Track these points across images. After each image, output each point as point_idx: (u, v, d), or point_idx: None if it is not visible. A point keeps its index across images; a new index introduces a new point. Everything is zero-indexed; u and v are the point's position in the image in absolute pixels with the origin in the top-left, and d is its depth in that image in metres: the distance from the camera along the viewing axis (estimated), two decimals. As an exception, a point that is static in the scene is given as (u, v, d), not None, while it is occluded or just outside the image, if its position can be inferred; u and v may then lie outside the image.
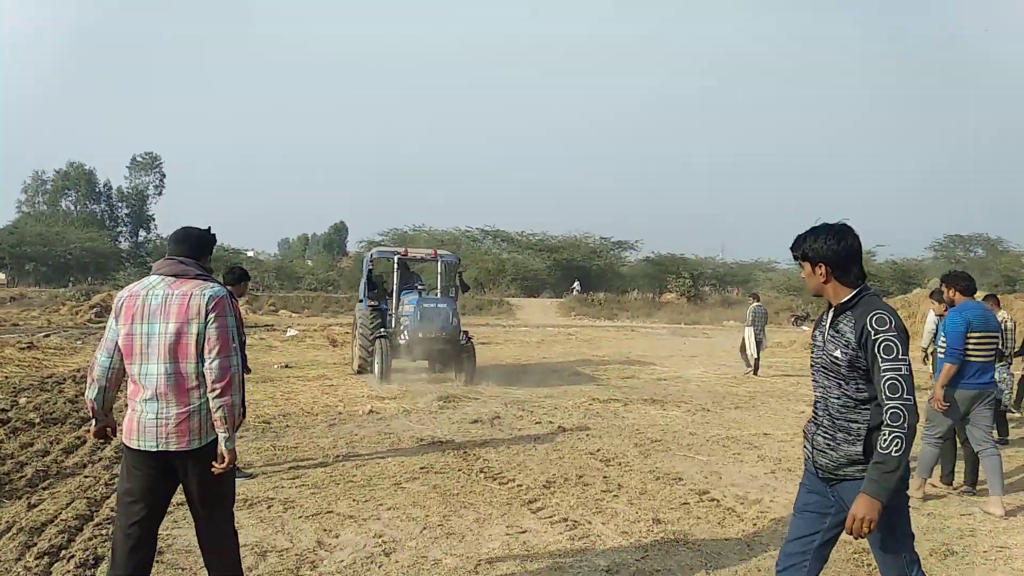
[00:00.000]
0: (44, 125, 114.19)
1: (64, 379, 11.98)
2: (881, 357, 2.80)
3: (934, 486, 6.56)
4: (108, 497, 5.72)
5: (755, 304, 16.01)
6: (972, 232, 58.82)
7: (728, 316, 41.21)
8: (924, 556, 4.14)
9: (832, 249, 3.01)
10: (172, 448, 3.24)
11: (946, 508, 6.03)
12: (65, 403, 9.73)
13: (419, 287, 14.32)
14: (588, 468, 7.01)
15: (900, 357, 2.80)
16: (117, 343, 3.33)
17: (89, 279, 46.20)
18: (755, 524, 5.40)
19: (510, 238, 57.00)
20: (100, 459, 6.92)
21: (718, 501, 6.01)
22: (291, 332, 25.47)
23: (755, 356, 15.43)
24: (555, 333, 28.06)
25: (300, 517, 5.29)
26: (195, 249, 3.51)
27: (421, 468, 6.82)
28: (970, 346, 5.90)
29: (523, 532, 5.07)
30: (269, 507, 5.52)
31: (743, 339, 16.23)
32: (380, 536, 4.91)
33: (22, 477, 6.21)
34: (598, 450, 7.79)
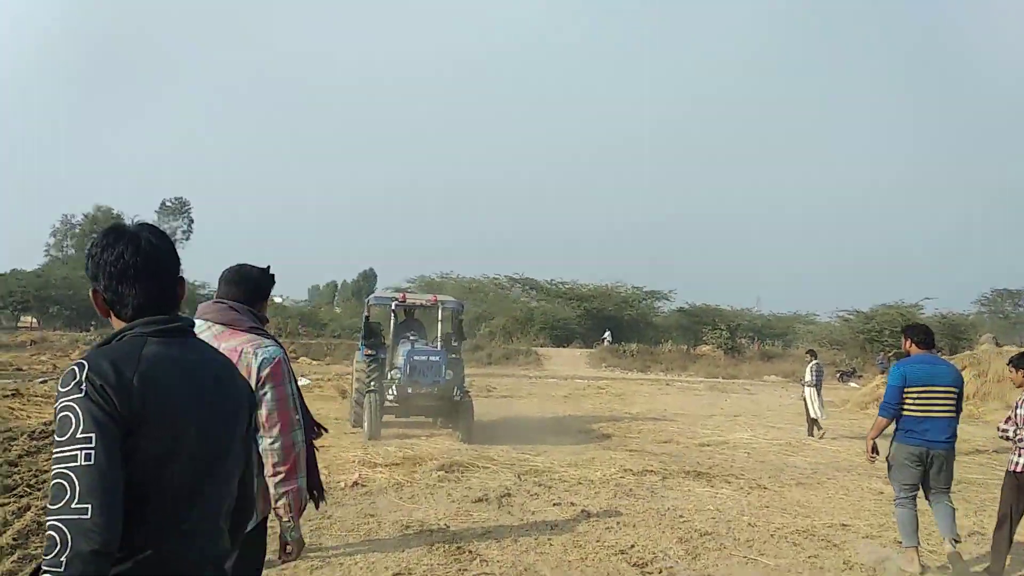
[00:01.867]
0: (72, 168, 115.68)
1: (20, 434, 10.51)
2: None
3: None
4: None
5: (814, 361, 14.36)
6: (1021, 286, 56.38)
7: (768, 371, 38.98)
8: None
9: None
10: None
11: None
12: (2, 466, 8.23)
13: (412, 337, 12.67)
14: (618, 577, 5.27)
15: None
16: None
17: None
18: None
19: (539, 286, 55.42)
20: (-14, 550, 5.34)
21: (802, 642, 4.23)
22: (303, 381, 24.00)
23: (821, 417, 14.04)
24: (584, 386, 26.18)
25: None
26: (250, 293, 2.94)
27: (394, 575, 5.13)
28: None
29: None
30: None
31: (804, 400, 14.44)
32: None
33: None
34: (632, 547, 6.03)
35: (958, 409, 5.79)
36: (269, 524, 3.02)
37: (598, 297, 53.50)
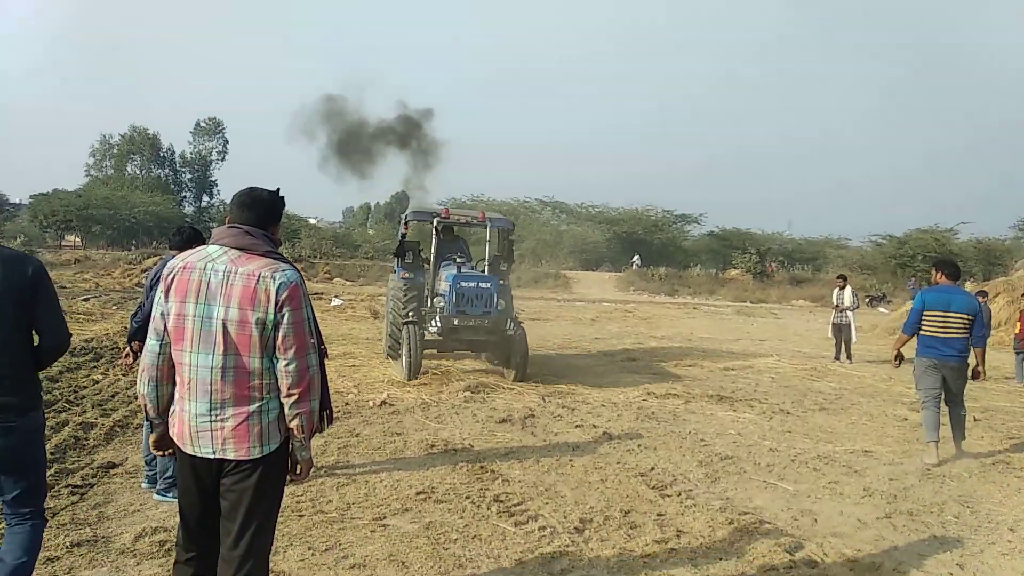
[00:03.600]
0: (111, 89, 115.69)
1: (61, 351, 10.85)
2: None
3: None
4: None
5: (847, 288, 14.30)
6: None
7: (797, 295, 38.70)
8: None
9: None
10: (230, 456, 2.74)
11: None
12: (43, 382, 8.48)
13: (459, 259, 10.99)
14: (637, 499, 5.36)
15: None
16: (166, 324, 2.79)
17: (154, 243, 46.15)
18: (878, 615, 3.68)
19: (569, 209, 54.97)
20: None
21: (817, 565, 4.29)
22: (336, 302, 24.35)
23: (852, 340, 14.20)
24: (611, 309, 26.24)
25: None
26: (264, 217, 2.92)
27: (419, 493, 5.27)
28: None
29: (533, 622, 3.47)
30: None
31: (831, 325, 14.46)
32: (321, 623, 3.38)
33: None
34: (652, 469, 6.12)
35: (971, 332, 6.78)
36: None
37: (627, 220, 52.99)
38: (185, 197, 67.20)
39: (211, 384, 2.73)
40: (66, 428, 6.55)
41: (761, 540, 4.62)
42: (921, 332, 6.87)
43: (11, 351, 3.01)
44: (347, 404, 8.25)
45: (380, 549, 4.24)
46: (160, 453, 2.98)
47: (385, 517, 4.77)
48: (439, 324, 10.02)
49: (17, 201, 66.40)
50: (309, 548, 4.22)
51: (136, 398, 7.77)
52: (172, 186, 65.85)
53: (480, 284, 10.12)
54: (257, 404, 2.76)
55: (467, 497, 5.21)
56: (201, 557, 2.85)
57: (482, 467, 5.98)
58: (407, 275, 11.37)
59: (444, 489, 5.38)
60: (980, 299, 14.03)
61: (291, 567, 3.97)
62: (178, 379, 2.80)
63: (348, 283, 35.39)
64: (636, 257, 48.11)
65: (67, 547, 4.13)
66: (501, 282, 10.69)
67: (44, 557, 3.95)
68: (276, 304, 2.73)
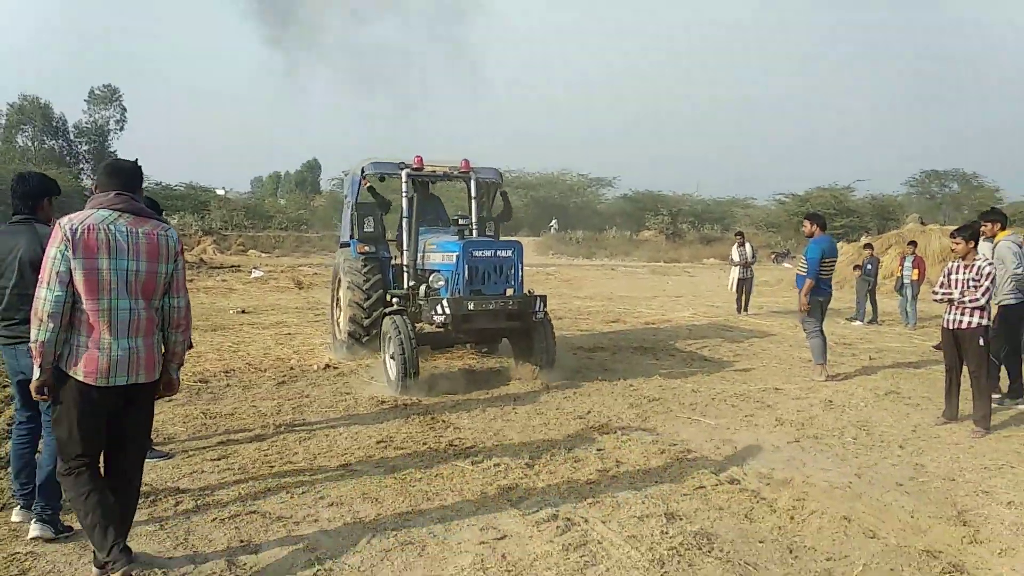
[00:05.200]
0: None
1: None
2: None
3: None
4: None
5: (747, 244, 15.18)
6: (948, 167, 58.23)
7: (708, 254, 40.28)
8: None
9: None
10: (142, 380, 3.34)
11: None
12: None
13: (461, 222, 8.36)
14: (579, 437, 5.90)
15: None
16: (73, 278, 3.18)
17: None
18: (792, 516, 4.31)
19: (486, 175, 55.22)
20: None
21: (739, 482, 4.92)
22: (256, 273, 24.12)
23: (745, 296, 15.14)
24: (533, 272, 26.83)
25: (213, 520, 4.10)
26: (133, 183, 3.46)
27: (378, 442, 5.66)
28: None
29: (502, 539, 3.94)
30: (176, 504, 4.33)
31: (732, 280, 15.32)
32: (313, 550, 3.75)
33: None
34: (588, 412, 6.68)
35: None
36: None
37: (544, 185, 53.79)
38: (83, 169, 64.06)
39: (129, 324, 3.27)
40: None
41: (690, 465, 5.22)
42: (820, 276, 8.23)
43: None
44: (292, 369, 8.51)
45: (352, 490, 4.63)
46: (42, 397, 3.26)
47: (351, 464, 5.15)
48: (446, 311, 7.37)
49: None
50: (287, 492, 4.56)
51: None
52: (68, 158, 62.65)
53: (499, 252, 7.88)
54: (155, 336, 3.42)
55: (424, 443, 5.64)
56: (94, 457, 3.36)
57: (433, 418, 6.41)
58: (367, 249, 9.02)
59: (401, 438, 5.79)
60: (867, 251, 15.33)
61: (273, 508, 4.31)
62: (89, 325, 3.21)
63: (264, 255, 34.88)
64: (554, 221, 49.02)
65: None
66: None
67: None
68: (173, 256, 3.42)
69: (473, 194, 9.11)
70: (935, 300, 6.58)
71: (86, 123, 63.35)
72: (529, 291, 7.97)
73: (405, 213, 8.59)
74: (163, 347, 3.50)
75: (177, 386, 3.61)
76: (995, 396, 6.96)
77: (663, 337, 11.45)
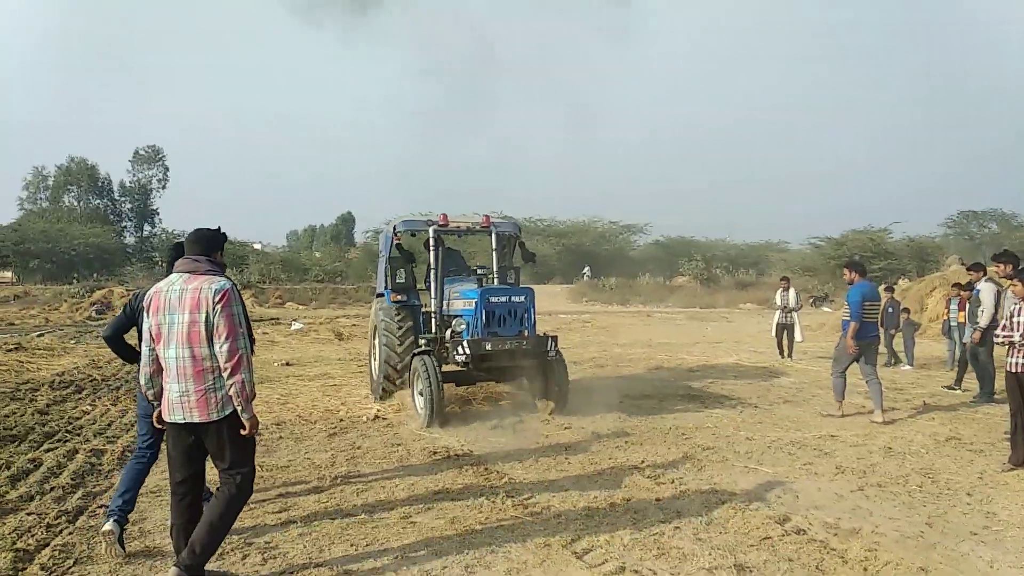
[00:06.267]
0: (43, 120, 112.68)
1: (40, 385, 10.87)
2: None
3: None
4: (47, 545, 4.58)
5: (791, 290, 15.04)
6: (986, 207, 57.50)
7: (744, 299, 39.91)
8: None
9: None
10: (196, 420, 3.79)
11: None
12: (33, 415, 8.62)
13: (479, 272, 9.71)
14: (635, 487, 5.84)
15: None
16: (151, 333, 3.85)
17: (94, 275, 45.19)
18: (865, 568, 4.22)
19: (518, 224, 55.65)
20: (53, 488, 5.78)
21: (806, 532, 4.82)
22: (296, 326, 24.37)
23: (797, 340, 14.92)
24: (569, 320, 26.85)
25: (283, 574, 4.12)
26: (207, 247, 4.00)
27: (435, 493, 5.66)
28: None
29: (572, 591, 3.90)
30: (244, 557, 4.36)
31: (776, 325, 15.16)
32: (385, 603, 3.75)
33: (-50, 517, 5.07)
34: (642, 462, 6.61)
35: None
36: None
37: (575, 233, 54.04)
38: (125, 227, 65.86)
39: (178, 369, 3.77)
40: (78, 455, 6.75)
41: (753, 515, 5.13)
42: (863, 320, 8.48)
43: None
44: (341, 420, 8.57)
45: (415, 541, 4.62)
46: (159, 426, 3.94)
47: (411, 516, 5.14)
48: (467, 351, 8.16)
49: (-53, 238, 64.13)
50: (351, 545, 4.57)
51: (133, 426, 8.00)
52: (112, 216, 64.49)
53: (513, 298, 8.65)
54: (210, 382, 3.78)
55: (481, 494, 5.62)
56: (183, 483, 3.93)
57: (486, 468, 6.39)
58: (400, 298, 9.63)
59: (458, 489, 5.78)
60: (887, 295, 15.16)
61: (339, 560, 4.32)
62: (163, 370, 3.86)
63: (301, 307, 35.29)
64: (586, 268, 49.06)
65: (125, 558, 4.40)
66: None
67: (106, 569, 4.24)
68: (212, 305, 3.75)
69: (494, 245, 9.84)
70: (997, 343, 6.47)
71: (130, 182, 65.28)
72: (545, 333, 8.77)
73: (432, 265, 9.42)
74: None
75: (248, 424, 3.84)
76: None
77: (709, 384, 11.33)
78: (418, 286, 10.07)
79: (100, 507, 5.36)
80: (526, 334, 8.55)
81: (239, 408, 3.80)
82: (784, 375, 12.44)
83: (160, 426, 3.95)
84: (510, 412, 8.77)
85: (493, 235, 9.79)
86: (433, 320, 9.26)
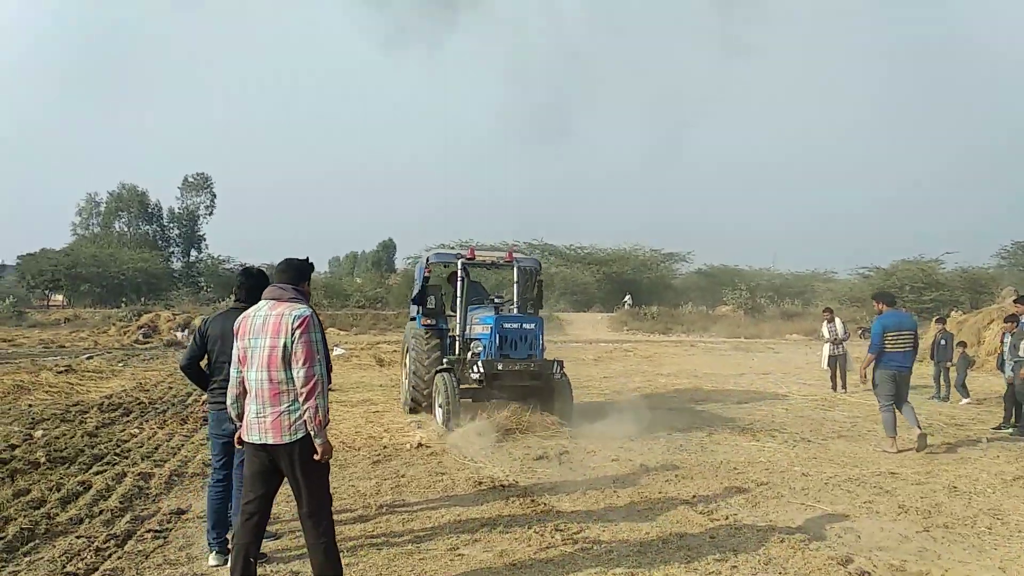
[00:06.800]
0: (97, 146, 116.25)
1: (90, 408, 11.03)
2: None
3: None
4: (95, 570, 4.57)
5: (836, 320, 14.72)
6: (1041, 237, 55.72)
7: (790, 329, 39.21)
8: None
9: None
10: (270, 441, 3.86)
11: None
12: (83, 437, 8.72)
13: (495, 300, 10.83)
14: (688, 523, 5.65)
15: None
16: (240, 356, 3.99)
17: (142, 300, 46.17)
18: (938, 616, 3.98)
19: (558, 252, 55.66)
20: (102, 512, 5.80)
21: (871, 574, 4.60)
22: (337, 351, 24.51)
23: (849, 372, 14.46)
24: (611, 349, 26.60)
25: (330, 606, 4.03)
26: (294, 276, 4.14)
27: (482, 524, 5.54)
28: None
29: (628, 632, 3.74)
30: (291, 588, 4.30)
31: (824, 356, 14.82)
32: (435, 640, 3.64)
33: (1, 538, 5.09)
34: (694, 497, 6.41)
35: (915, 344, 8.70)
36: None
37: (616, 261, 53.78)
38: (173, 252, 67.28)
39: (257, 392, 3.89)
40: (126, 479, 6.77)
41: (814, 556, 4.91)
42: (884, 350, 8.55)
43: None
44: (384, 448, 8.49)
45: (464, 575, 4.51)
46: (239, 446, 4.07)
47: (458, 548, 5.03)
48: (481, 370, 9.27)
49: (3, 262, 66.27)
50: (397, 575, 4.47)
51: (180, 449, 8.03)
52: (160, 242, 65.94)
53: (524, 325, 9.79)
54: (285, 405, 3.85)
55: (529, 527, 5.48)
56: (253, 501, 3.97)
57: (533, 500, 6.25)
58: (429, 322, 10.77)
59: (505, 520, 5.65)
60: (939, 327, 14.70)
61: (386, 594, 4.22)
62: (246, 392, 3.98)
63: (342, 332, 35.55)
64: (627, 297, 48.67)
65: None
66: None
67: (153, 594, 4.20)
68: (291, 331, 3.83)
69: (516, 278, 10.83)
70: None
71: (179, 209, 66.77)
72: (556, 360, 9.74)
73: (458, 293, 10.50)
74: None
75: (321, 450, 3.86)
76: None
77: (759, 416, 11.05)
78: (446, 312, 11.13)
79: (148, 531, 5.35)
80: (535, 358, 9.59)
81: (312, 433, 3.84)
82: (837, 408, 12.10)
83: (240, 446, 4.07)
84: (553, 443, 8.62)
85: (515, 269, 10.81)
86: (457, 342, 10.32)
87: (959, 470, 7.52)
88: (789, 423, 10.42)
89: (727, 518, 5.78)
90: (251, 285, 4.90)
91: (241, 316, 4.06)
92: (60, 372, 15.95)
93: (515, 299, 10.76)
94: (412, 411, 10.62)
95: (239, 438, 4.02)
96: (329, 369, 4.32)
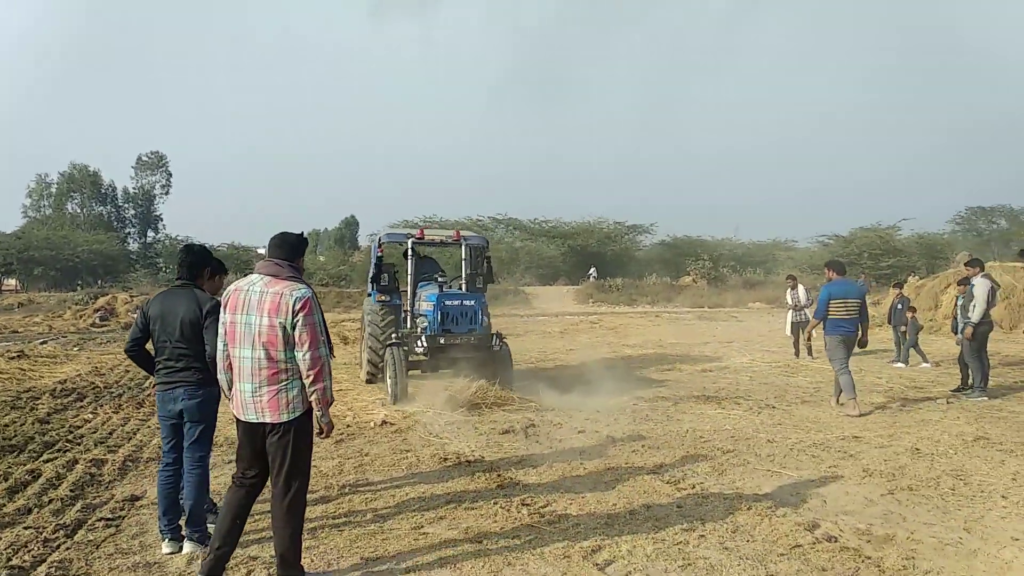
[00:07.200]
0: (45, 127, 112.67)
1: (42, 394, 10.66)
2: None
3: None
4: (43, 561, 4.37)
5: (800, 287, 14.78)
6: (995, 203, 57.03)
7: (752, 298, 39.60)
8: None
9: None
10: (267, 420, 3.84)
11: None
12: (33, 424, 8.41)
13: (439, 278, 11.26)
14: (655, 493, 5.61)
15: None
16: (226, 330, 3.90)
17: (99, 282, 45.06)
18: (904, 578, 3.98)
19: (523, 226, 55.41)
20: (51, 501, 5.57)
21: (837, 540, 4.59)
22: (300, 330, 24.17)
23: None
24: (577, 321, 26.62)
25: (289, 591, 3.90)
26: (290, 252, 3.98)
27: (447, 502, 5.44)
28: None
29: (596, 607, 3.68)
30: (248, 573, 4.15)
31: (787, 323, 14.93)
32: (398, 623, 3.53)
33: (-57, 532, 4.87)
34: (660, 466, 6.38)
35: (862, 311, 8.93)
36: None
37: (581, 234, 53.70)
38: (129, 233, 65.76)
39: (251, 371, 3.80)
40: (78, 466, 6.54)
41: (781, 522, 4.90)
42: (829, 316, 8.87)
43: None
44: (348, 426, 8.33)
45: (428, 554, 4.40)
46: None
47: (423, 526, 4.92)
48: (424, 344, 9.90)
49: (-48, 247, 64.15)
50: (361, 558, 4.35)
51: (135, 435, 7.80)
52: (115, 223, 64.36)
53: (464, 302, 10.35)
54: (283, 384, 3.81)
55: (495, 502, 5.39)
56: (249, 476, 3.97)
57: (499, 475, 6.16)
58: (383, 298, 11.41)
59: (471, 496, 5.55)
60: (895, 291, 14.95)
61: (346, 572, 4.10)
62: (233, 369, 3.90)
63: (307, 311, 35.10)
64: (592, 270, 48.70)
65: (123, 572, 4.19)
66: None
67: (103, 585, 4.03)
68: (292, 312, 3.75)
69: (464, 256, 11.48)
70: None
71: (133, 188, 65.18)
72: (496, 333, 10.46)
73: (408, 271, 11.05)
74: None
75: (325, 428, 3.91)
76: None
77: (723, 384, 11.10)
78: (400, 288, 11.78)
79: (100, 520, 5.16)
80: (476, 331, 10.19)
81: (319, 413, 3.86)
82: (800, 374, 12.20)
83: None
84: (520, 416, 8.54)
85: (463, 247, 11.48)
86: (408, 318, 10.89)
87: (921, 432, 7.60)
88: (754, 390, 10.47)
89: (694, 487, 5.75)
90: (191, 262, 4.78)
91: (230, 288, 3.94)
92: (12, 358, 15.44)
93: (463, 275, 11.46)
94: (369, 382, 11.29)
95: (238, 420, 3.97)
96: (330, 348, 4.25)
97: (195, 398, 4.57)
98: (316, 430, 3.97)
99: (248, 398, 3.84)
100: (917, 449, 6.87)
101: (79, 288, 40.41)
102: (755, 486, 5.79)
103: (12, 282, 48.52)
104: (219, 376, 4.04)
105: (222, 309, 3.94)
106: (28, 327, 27.06)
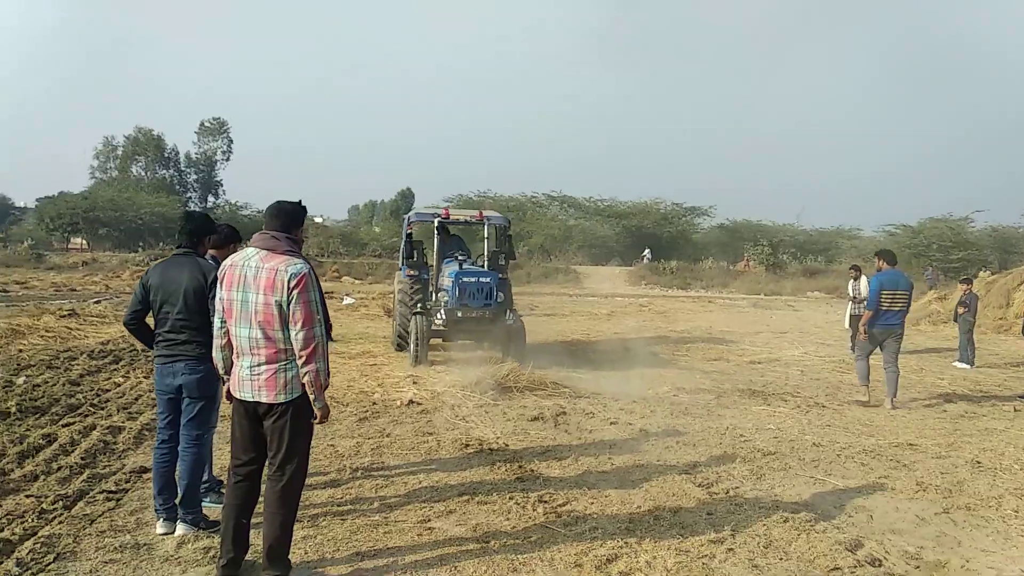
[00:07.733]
0: (113, 90, 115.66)
1: (80, 354, 10.73)
2: None
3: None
4: (32, 535, 4.20)
5: (863, 278, 13.98)
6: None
7: (811, 287, 38.35)
8: None
9: None
10: (264, 399, 3.66)
11: None
12: (63, 385, 8.39)
13: (459, 256, 11.89)
14: (684, 497, 5.20)
15: None
16: (223, 307, 3.72)
17: (160, 244, 46.10)
18: (957, 617, 3.52)
19: (577, 204, 54.68)
20: (60, 468, 5.45)
21: (882, 563, 4.13)
22: (347, 300, 24.22)
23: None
24: (625, 304, 26.06)
25: (272, 587, 3.64)
26: (287, 223, 3.76)
27: (461, 493, 5.13)
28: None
29: (600, 630, 3.32)
30: (236, 564, 3.90)
31: (848, 316, 14.19)
32: (381, 633, 3.23)
33: (-55, 496, 4.76)
34: (694, 466, 5.96)
35: (908, 304, 8.82)
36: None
37: (637, 214, 52.74)
38: (190, 198, 67.04)
39: (249, 348, 3.63)
40: (94, 432, 6.42)
41: (820, 539, 4.45)
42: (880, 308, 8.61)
43: None
44: (374, 404, 8.10)
45: (428, 553, 4.10)
46: (227, 401, 3.82)
47: (430, 520, 4.63)
48: (444, 316, 10.80)
49: (23, 204, 66.32)
50: (356, 553, 4.07)
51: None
52: (177, 187, 65.67)
53: (481, 279, 11.01)
54: (281, 363, 3.63)
55: (510, 498, 5.06)
56: (244, 465, 3.78)
57: (520, 467, 5.83)
58: (412, 272, 12.12)
59: (486, 490, 5.23)
60: (964, 287, 14.06)
61: (340, 571, 3.82)
62: (233, 346, 3.72)
63: (357, 281, 35.25)
64: (647, 251, 47.81)
65: (109, 552, 3.99)
66: (501, 277, 11.36)
67: (87, 568, 3.83)
68: (288, 289, 3.56)
69: (486, 235, 12.72)
70: None
71: (195, 154, 66.40)
72: (511, 309, 11.20)
73: (435, 248, 11.91)
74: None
75: (320, 414, 3.73)
76: None
77: (772, 379, 10.54)
78: (429, 263, 12.50)
79: (102, 492, 5.00)
80: (491, 306, 10.81)
81: (312, 397, 3.67)
82: (853, 372, 11.51)
83: (229, 401, 3.82)
84: (551, 403, 8.18)
85: (486, 227, 12.54)
86: (432, 292, 11.72)
87: (984, 443, 7.00)
88: (804, 386, 9.91)
89: (728, 492, 5.33)
90: (191, 229, 4.57)
91: (227, 263, 3.74)
92: (63, 316, 15.71)
93: (485, 253, 12.44)
94: (399, 348, 11.87)
95: (228, 393, 3.77)
96: (329, 328, 4.09)
97: (196, 373, 4.35)
98: (315, 417, 3.75)
99: (246, 374, 3.66)
100: (978, 462, 6.29)
101: (140, 249, 41.34)
102: (795, 494, 5.34)
103: (79, 241, 50.00)
104: (214, 355, 3.83)
105: (218, 285, 3.75)
106: (86, 286, 27.75)
